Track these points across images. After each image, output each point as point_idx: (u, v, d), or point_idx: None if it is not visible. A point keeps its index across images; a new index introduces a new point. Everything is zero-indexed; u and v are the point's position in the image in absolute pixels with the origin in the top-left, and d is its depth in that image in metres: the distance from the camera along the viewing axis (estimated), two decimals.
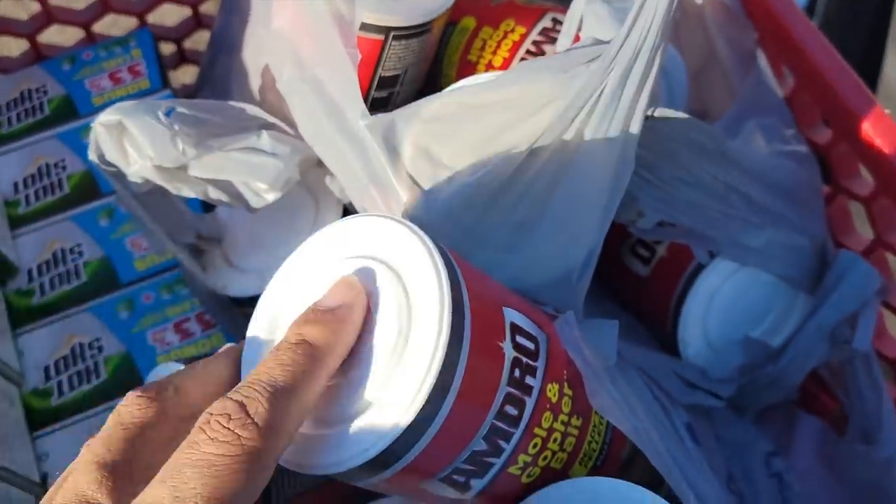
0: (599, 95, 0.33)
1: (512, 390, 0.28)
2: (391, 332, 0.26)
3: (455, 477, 0.28)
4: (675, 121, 0.37)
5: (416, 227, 0.27)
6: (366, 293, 0.27)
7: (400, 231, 0.28)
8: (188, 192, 0.40)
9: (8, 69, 0.56)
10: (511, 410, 0.28)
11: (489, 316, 0.28)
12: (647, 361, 0.41)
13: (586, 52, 0.34)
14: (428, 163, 0.34)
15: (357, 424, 0.26)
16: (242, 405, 0.23)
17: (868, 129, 0.43)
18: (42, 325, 0.47)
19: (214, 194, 0.40)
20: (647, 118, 0.35)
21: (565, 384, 0.31)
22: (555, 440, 0.31)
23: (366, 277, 0.27)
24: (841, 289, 0.42)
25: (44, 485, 0.42)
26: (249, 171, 0.39)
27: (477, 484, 0.29)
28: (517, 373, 0.28)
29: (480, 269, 0.32)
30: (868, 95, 0.43)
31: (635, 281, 0.45)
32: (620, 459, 0.35)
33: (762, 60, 0.47)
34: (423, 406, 0.25)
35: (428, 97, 0.35)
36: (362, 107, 0.35)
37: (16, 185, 0.50)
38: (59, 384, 0.45)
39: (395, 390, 0.26)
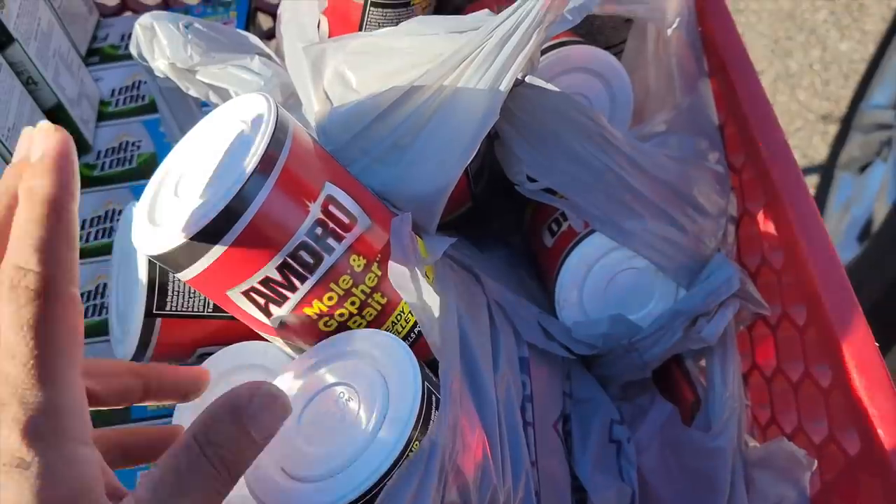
0: (478, 53, 0.41)
1: (310, 241, 0.37)
2: (219, 151, 0.36)
3: (253, 295, 0.37)
4: (553, 95, 0.44)
5: (271, 99, 0.37)
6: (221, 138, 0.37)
7: (259, 99, 0.37)
8: (195, 92, 0.51)
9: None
10: (306, 257, 0.37)
11: (304, 178, 0.37)
12: (514, 304, 0.47)
13: (477, 17, 0.42)
14: (341, 85, 0.44)
15: (178, 211, 0.36)
16: (18, 267, 0.27)
17: (767, 161, 0.47)
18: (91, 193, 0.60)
19: (214, 98, 0.52)
20: (519, 82, 0.43)
21: (375, 263, 0.39)
22: (353, 303, 0.39)
23: (223, 121, 0.38)
24: (704, 284, 0.47)
25: None
26: (239, 84, 0.50)
27: (276, 312, 0.38)
28: (319, 230, 0.37)
29: (356, 171, 0.41)
30: (783, 147, 0.48)
31: (543, 251, 0.52)
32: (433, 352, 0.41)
33: (707, 88, 0.53)
34: (229, 205, 0.34)
35: (353, 34, 0.44)
36: (311, 38, 0.45)
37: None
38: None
39: (209, 188, 0.35)
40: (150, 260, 0.44)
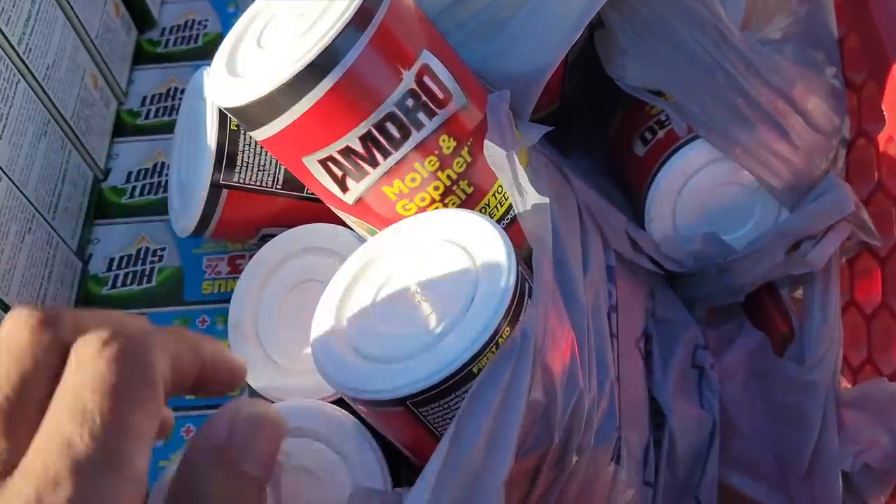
0: None
1: (398, 113, 0.33)
2: (318, 7, 0.33)
3: (331, 165, 0.34)
4: None
5: None
6: None
7: None
8: None
9: None
10: (392, 130, 0.33)
11: (401, 40, 0.33)
12: (602, 210, 0.43)
13: None
14: None
15: (262, 61, 0.33)
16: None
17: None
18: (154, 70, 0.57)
19: None
20: None
21: (466, 148, 0.35)
22: (436, 188, 0.35)
23: None
24: (812, 205, 0.43)
25: None
26: None
27: (353, 187, 0.35)
28: (410, 102, 0.33)
29: (451, 44, 0.38)
30: None
31: (634, 161, 0.48)
32: (522, 248, 0.38)
33: None
34: (317, 58, 0.31)
35: None
36: None
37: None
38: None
39: (297, 40, 0.32)
40: (220, 126, 0.41)
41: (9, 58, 0.43)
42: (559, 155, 0.47)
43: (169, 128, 0.54)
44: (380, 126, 0.33)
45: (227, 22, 0.59)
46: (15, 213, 0.42)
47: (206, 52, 0.58)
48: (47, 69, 0.46)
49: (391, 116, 0.33)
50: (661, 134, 0.46)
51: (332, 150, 0.34)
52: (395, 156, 0.34)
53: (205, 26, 0.59)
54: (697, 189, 0.44)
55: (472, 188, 0.36)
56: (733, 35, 0.41)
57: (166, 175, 0.52)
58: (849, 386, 0.46)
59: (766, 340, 0.45)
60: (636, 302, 0.44)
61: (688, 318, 0.45)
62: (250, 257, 0.48)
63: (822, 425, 0.42)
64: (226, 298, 0.47)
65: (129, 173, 0.53)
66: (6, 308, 0.41)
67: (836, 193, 0.42)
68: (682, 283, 0.46)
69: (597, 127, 0.53)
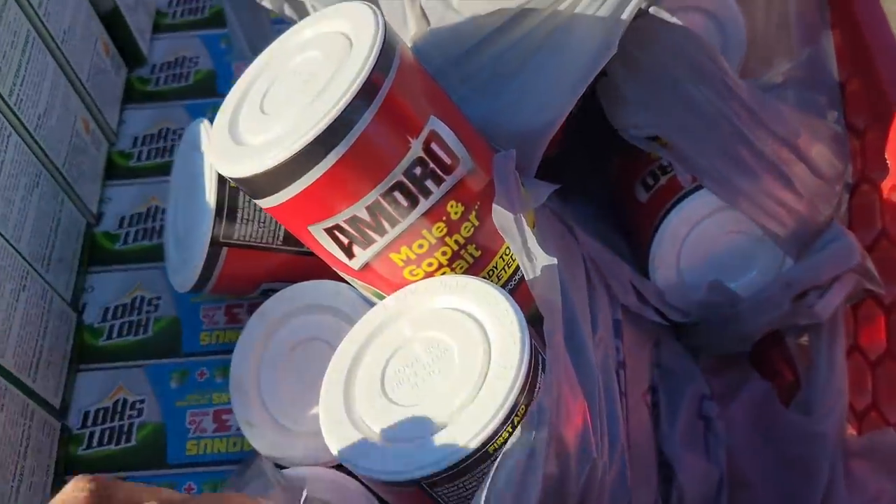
0: None
1: (406, 182, 0.32)
2: (315, 66, 0.32)
3: (337, 233, 0.33)
4: (676, 30, 0.39)
5: (378, 12, 0.33)
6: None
7: (364, 10, 0.33)
8: (268, 3, 0.47)
9: None
10: (401, 199, 0.33)
11: (409, 108, 0.32)
12: (608, 263, 0.43)
13: None
14: (440, 3, 0.39)
15: (267, 130, 0.32)
16: None
17: None
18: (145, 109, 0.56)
19: (289, 11, 0.47)
20: (641, 13, 0.38)
21: (474, 212, 0.35)
22: (443, 253, 0.35)
23: (321, 31, 0.34)
24: (818, 255, 0.42)
25: None
26: None
27: (360, 254, 0.34)
28: (418, 171, 0.33)
29: (454, 100, 0.37)
30: None
31: (637, 207, 0.47)
32: (529, 311, 0.37)
33: (829, 40, 0.48)
34: (325, 131, 0.30)
35: None
36: None
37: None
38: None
39: (303, 110, 0.31)
40: (219, 182, 0.40)
41: (0, 111, 0.42)
42: (560, 202, 0.46)
43: (162, 169, 0.53)
44: (387, 195, 0.33)
45: (219, 58, 0.58)
46: (9, 271, 0.41)
47: (197, 90, 0.57)
48: (39, 118, 0.45)
49: (399, 185, 0.33)
50: (663, 180, 0.45)
51: (339, 219, 0.33)
52: (403, 224, 0.33)
53: (196, 63, 0.58)
54: (702, 237, 0.44)
55: (479, 252, 0.36)
56: (738, 86, 0.41)
57: (160, 220, 0.51)
58: (853, 431, 0.46)
59: (771, 390, 0.44)
60: (642, 354, 0.43)
61: (693, 369, 0.45)
62: (248, 307, 0.48)
63: (831, 476, 0.42)
64: (224, 350, 0.47)
65: (122, 218, 0.52)
66: (2, 371, 0.40)
67: (842, 244, 0.42)
68: (687, 332, 0.46)
69: (594, 170, 0.52)
